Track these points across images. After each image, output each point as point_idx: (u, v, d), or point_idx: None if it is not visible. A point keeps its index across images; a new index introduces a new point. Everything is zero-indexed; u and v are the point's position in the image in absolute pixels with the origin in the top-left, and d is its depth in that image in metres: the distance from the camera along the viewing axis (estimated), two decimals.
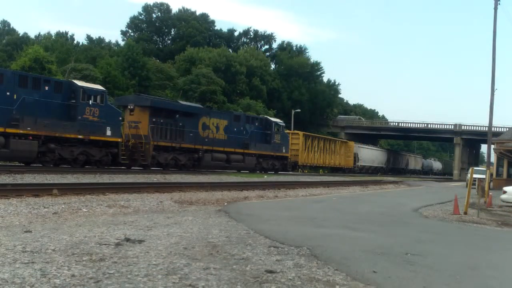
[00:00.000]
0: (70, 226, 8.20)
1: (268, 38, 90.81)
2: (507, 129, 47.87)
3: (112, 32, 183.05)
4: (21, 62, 45.33)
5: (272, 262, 6.16)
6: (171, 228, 8.48)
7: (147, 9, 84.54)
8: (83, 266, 5.38)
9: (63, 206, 10.75)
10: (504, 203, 19.31)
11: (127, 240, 7.02)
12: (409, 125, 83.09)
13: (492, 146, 33.88)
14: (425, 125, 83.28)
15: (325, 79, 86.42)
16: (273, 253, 6.75)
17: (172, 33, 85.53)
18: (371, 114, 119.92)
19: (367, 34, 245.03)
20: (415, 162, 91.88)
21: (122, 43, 76.66)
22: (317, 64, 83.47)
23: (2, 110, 20.10)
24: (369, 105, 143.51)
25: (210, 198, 14.99)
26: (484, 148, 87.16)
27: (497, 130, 60.92)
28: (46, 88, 22.30)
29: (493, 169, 37.24)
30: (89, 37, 77.71)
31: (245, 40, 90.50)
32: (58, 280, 4.79)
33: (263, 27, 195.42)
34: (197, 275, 5.27)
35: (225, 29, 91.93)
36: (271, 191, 19.82)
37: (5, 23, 75.44)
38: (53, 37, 68.36)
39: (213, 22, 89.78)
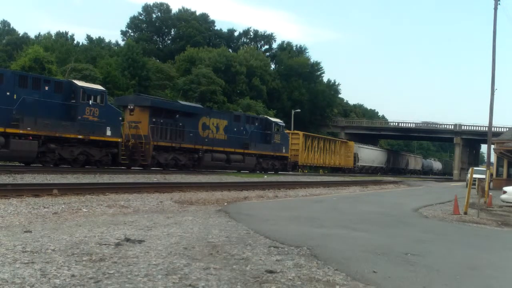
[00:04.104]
0: (70, 226, 8.20)
1: (268, 38, 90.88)
2: (507, 129, 47.87)
3: (112, 32, 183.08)
4: (21, 62, 45.33)
5: (272, 262, 6.16)
6: (171, 228, 8.48)
7: (147, 9, 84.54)
8: (83, 266, 5.38)
9: (63, 206, 10.75)
10: (504, 203, 19.31)
11: (127, 240, 7.01)
12: (409, 125, 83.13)
13: (492, 146, 33.86)
14: (425, 125, 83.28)
15: (325, 79, 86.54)
16: (273, 253, 6.75)
17: (172, 33, 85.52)
18: (371, 114, 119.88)
19: (367, 34, 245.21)
20: (415, 162, 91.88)
21: (122, 43, 76.74)
22: (317, 64, 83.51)
23: (2, 110, 20.11)
24: (369, 105, 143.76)
25: (210, 198, 14.98)
26: (484, 148, 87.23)
27: (497, 130, 60.91)
28: (46, 88, 22.31)
29: (493, 169, 37.23)
30: (89, 37, 77.74)
31: (245, 40, 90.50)
32: (58, 280, 4.79)
33: (263, 27, 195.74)
34: (197, 275, 5.27)
35: (225, 29, 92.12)
36: (271, 191, 19.82)
37: (5, 23, 75.34)
38: (53, 37, 68.32)
39: (213, 22, 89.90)
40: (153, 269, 5.44)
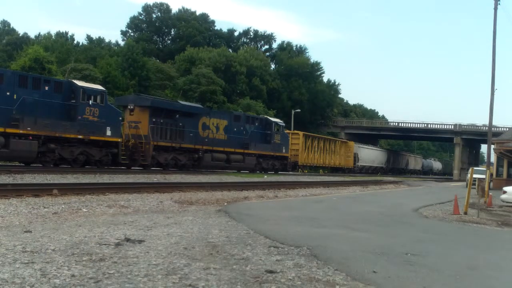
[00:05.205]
0: (70, 226, 8.20)
1: (268, 38, 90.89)
2: (507, 129, 47.88)
3: (112, 32, 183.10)
4: (21, 62, 45.34)
5: (272, 262, 6.16)
6: (171, 228, 8.48)
7: (147, 9, 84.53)
8: (83, 266, 5.38)
9: (63, 206, 10.75)
10: (504, 203, 19.31)
11: (127, 240, 7.01)
12: (409, 125, 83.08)
13: (492, 146, 33.87)
14: (425, 125, 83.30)
15: (325, 79, 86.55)
16: (273, 253, 6.74)
17: (172, 33, 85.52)
18: (371, 114, 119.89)
19: (367, 34, 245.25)
20: (415, 162, 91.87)
21: (122, 43, 76.72)
22: (317, 64, 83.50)
23: (2, 110, 20.11)
24: (369, 105, 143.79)
25: (210, 198, 14.98)
26: (484, 148, 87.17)
27: (497, 130, 60.91)
28: (46, 88, 22.31)
29: (493, 169, 37.22)
30: (89, 37, 77.72)
31: (245, 40, 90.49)
32: (58, 280, 4.79)
33: (263, 27, 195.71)
34: (197, 275, 5.27)
35: (225, 29, 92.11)
36: (271, 191, 19.81)
37: (5, 23, 75.37)
38: (53, 37, 68.28)
39: (213, 22, 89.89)
40: (153, 269, 5.44)
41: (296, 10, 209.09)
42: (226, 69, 66.73)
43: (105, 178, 19.31)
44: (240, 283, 5.09)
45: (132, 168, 26.78)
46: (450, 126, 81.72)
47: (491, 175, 32.85)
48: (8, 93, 20.64)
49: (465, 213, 14.67)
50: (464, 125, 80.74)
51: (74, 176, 18.71)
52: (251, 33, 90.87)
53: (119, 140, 24.93)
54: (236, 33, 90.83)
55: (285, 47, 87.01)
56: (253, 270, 5.67)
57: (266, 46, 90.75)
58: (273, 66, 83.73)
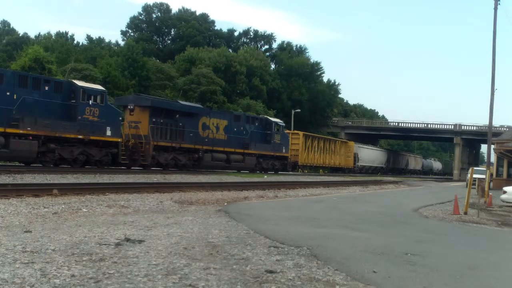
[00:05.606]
0: (70, 226, 8.20)
1: (268, 38, 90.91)
2: (507, 129, 47.88)
3: (112, 32, 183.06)
4: (21, 62, 45.31)
5: (272, 262, 6.16)
6: (171, 228, 8.48)
7: (147, 9, 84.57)
8: (83, 266, 5.38)
9: (63, 206, 10.75)
10: (504, 203, 19.31)
11: (127, 240, 7.02)
12: (409, 125, 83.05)
13: (492, 146, 33.86)
14: (425, 125, 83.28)
15: (325, 79, 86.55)
16: (273, 253, 6.75)
17: (172, 33, 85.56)
18: (371, 114, 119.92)
19: (367, 34, 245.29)
20: (415, 162, 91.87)
21: (122, 43, 76.74)
22: (317, 64, 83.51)
23: (2, 110, 20.09)
24: (369, 105, 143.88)
25: (210, 198, 14.98)
26: (484, 148, 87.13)
27: (497, 130, 60.89)
28: (46, 88, 22.30)
29: (493, 169, 37.22)
30: (89, 37, 77.74)
31: (245, 40, 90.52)
32: (58, 280, 4.79)
33: (263, 27, 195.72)
34: (197, 275, 5.27)
35: (225, 29, 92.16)
36: (271, 191, 19.81)
37: (5, 23, 75.37)
38: (53, 37, 68.29)
39: (213, 22, 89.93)
40: (153, 269, 5.44)
41: (296, 10, 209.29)
42: (226, 69, 66.73)
43: (105, 178, 19.31)
44: (240, 283, 5.09)
45: (132, 168, 26.77)
46: (450, 126, 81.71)
47: (491, 175, 32.85)
48: (8, 93, 20.62)
49: (465, 213, 14.67)
50: (464, 125, 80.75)
51: (74, 176, 18.70)
52: (251, 33, 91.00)
53: (119, 140, 24.91)
54: (236, 33, 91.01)
55: (285, 47, 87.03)
56: (253, 270, 5.67)
57: (266, 46, 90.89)
58: (273, 66, 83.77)
